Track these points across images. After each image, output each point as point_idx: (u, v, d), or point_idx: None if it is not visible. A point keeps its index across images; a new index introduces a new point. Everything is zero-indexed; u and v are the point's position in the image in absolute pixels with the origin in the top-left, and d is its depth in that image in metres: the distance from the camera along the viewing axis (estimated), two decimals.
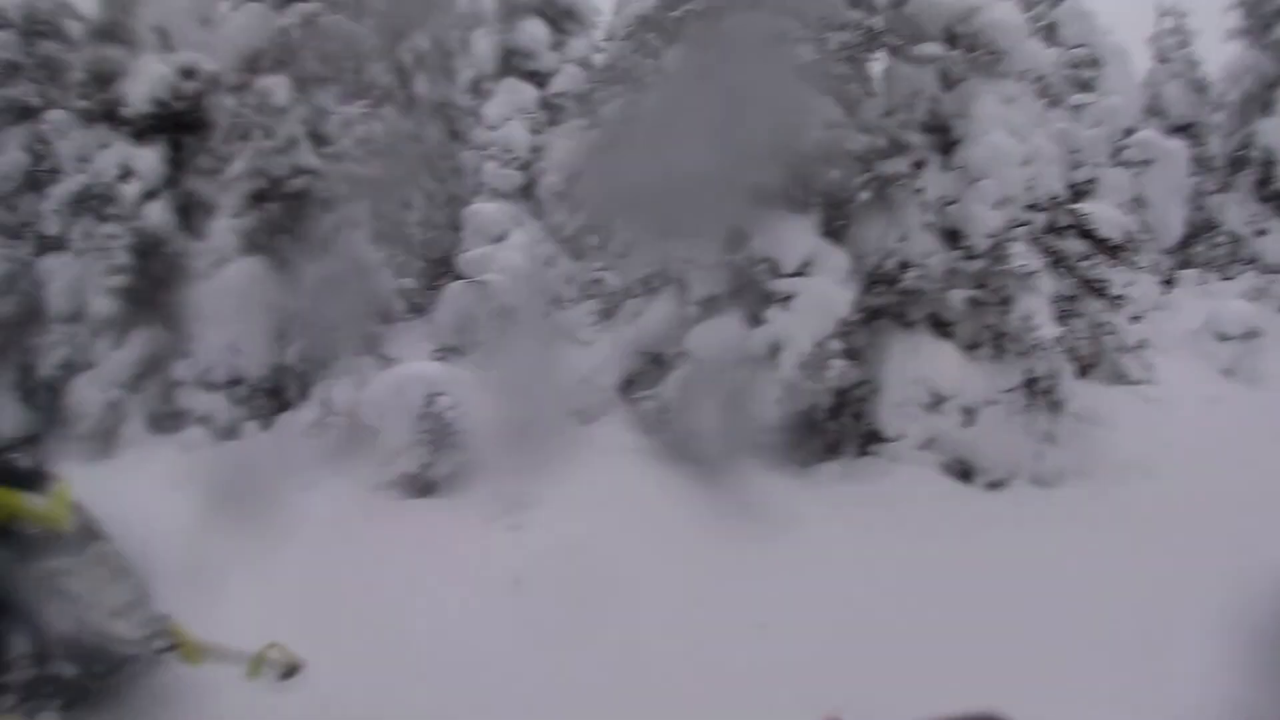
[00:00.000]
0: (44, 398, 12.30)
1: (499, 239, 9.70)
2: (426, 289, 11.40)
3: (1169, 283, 15.93)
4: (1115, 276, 10.02)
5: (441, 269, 12.54)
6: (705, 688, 4.86)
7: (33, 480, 4.87)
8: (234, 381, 10.42)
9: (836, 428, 8.74)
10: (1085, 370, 11.09)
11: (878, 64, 9.15)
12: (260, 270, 10.43)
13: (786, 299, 8.22)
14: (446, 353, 9.36)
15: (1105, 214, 9.83)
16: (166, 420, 11.01)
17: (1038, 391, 8.98)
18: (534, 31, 13.74)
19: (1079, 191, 9.69)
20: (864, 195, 8.85)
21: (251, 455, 9.88)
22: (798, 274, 8.31)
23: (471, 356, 9.25)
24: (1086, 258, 9.73)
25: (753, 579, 5.98)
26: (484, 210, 9.89)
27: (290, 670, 5.12)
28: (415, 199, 13.73)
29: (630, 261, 9.35)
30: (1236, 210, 17.46)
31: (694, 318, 8.51)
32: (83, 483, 5.21)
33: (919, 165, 9.02)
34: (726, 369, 8.05)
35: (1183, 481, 8.95)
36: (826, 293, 8.27)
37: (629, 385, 8.91)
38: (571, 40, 14.26)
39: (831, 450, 8.64)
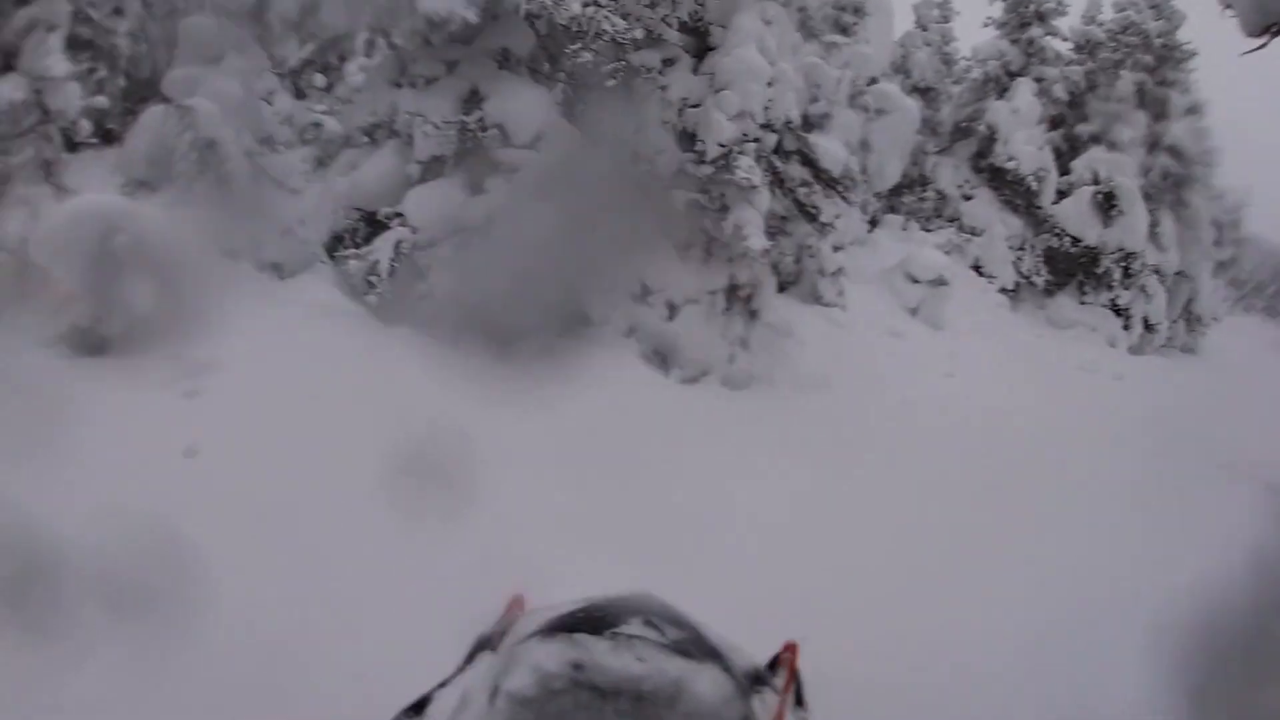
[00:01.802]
0: None
1: (213, 60, 8.72)
2: (124, 113, 10.20)
3: (874, 223, 17.23)
4: (828, 206, 10.53)
5: (144, 90, 11.21)
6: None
7: None
8: None
9: (540, 307, 8.74)
10: (784, 287, 11.75)
11: None
12: None
13: (512, 171, 8.07)
14: (136, 187, 8.40)
15: (831, 148, 10.24)
16: None
17: (739, 298, 9.45)
18: None
19: (812, 123, 10.01)
20: (610, 81, 8.83)
21: None
22: (528, 147, 8.17)
23: (165, 193, 8.35)
24: (805, 184, 10.17)
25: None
26: (199, 25, 8.87)
27: None
28: (132, 5, 12.20)
29: (355, 108, 8.80)
30: (950, 173, 18.98)
31: (414, 177, 8.18)
32: None
33: (669, 63, 9.09)
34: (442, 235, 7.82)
35: (853, 398, 9.84)
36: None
37: (337, 242, 8.47)
38: None
39: (536, 329, 8.66)
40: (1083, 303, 18.66)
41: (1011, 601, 5.80)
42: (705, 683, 2.47)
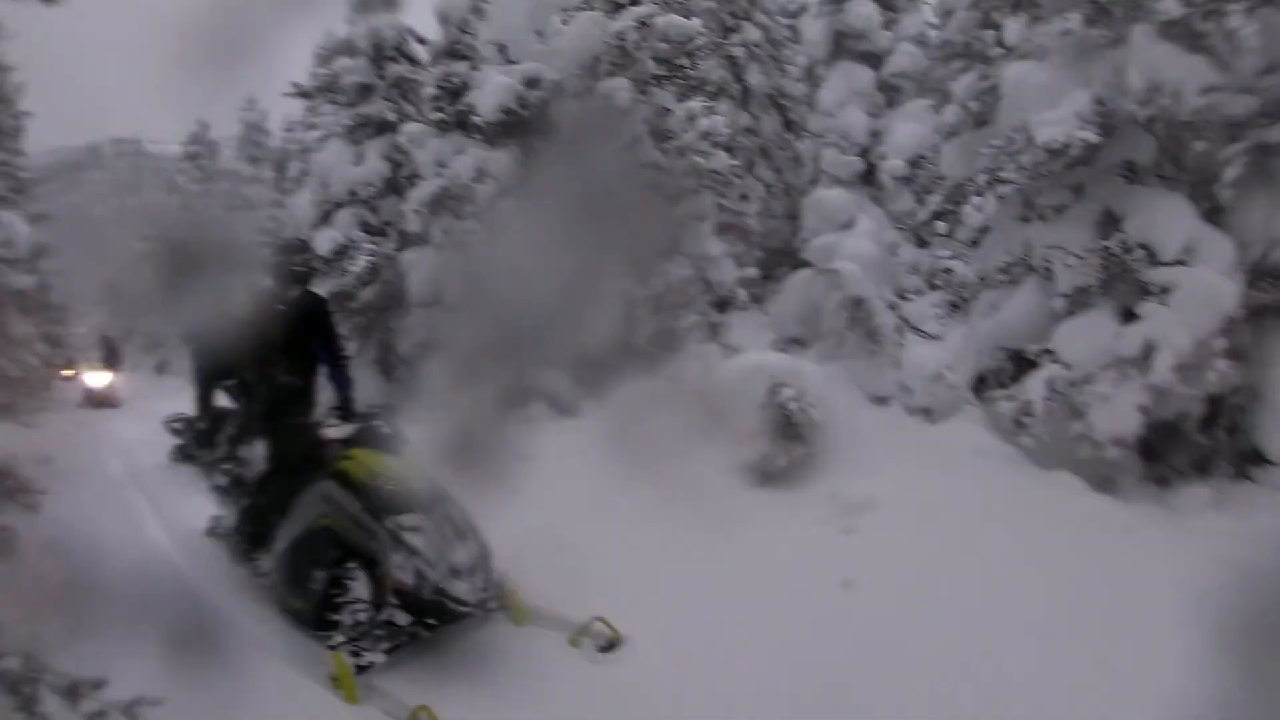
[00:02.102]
0: (401, 373, 13.51)
1: (845, 226, 9.48)
2: (765, 279, 11.44)
3: None
4: None
5: (780, 258, 12.48)
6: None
7: (391, 444, 5.40)
8: (579, 361, 10.85)
9: (1208, 443, 7.80)
10: None
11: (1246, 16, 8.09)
12: (609, 259, 10.80)
13: (1164, 291, 7.49)
14: (789, 343, 9.33)
15: None
16: (515, 395, 11.57)
17: None
18: (864, 11, 13.13)
19: None
20: (1241, 170, 7.91)
21: (592, 431, 10.22)
22: (1177, 263, 7.54)
23: (815, 348, 9.15)
24: None
25: (1109, 612, 5.40)
26: (828, 197, 9.71)
27: (611, 644, 5.32)
28: (754, 190, 13.84)
29: (986, 249, 8.86)
30: None
31: (1060, 311, 7.92)
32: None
33: None
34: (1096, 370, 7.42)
35: None
36: (1211, 285, 7.38)
37: (982, 383, 8.46)
38: (904, 18, 13.60)
39: (1199, 469, 7.74)
40: None
41: None
42: None
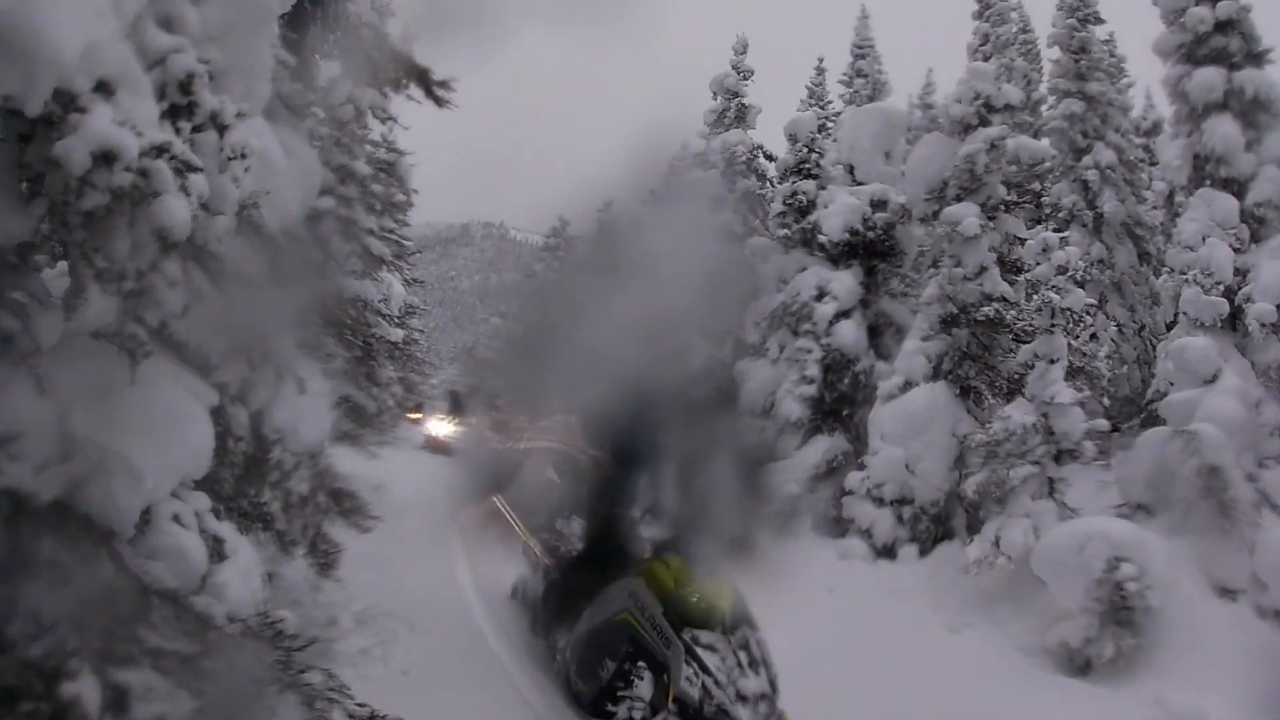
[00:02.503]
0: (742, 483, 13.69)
1: (1207, 381, 8.62)
2: (1113, 431, 10.63)
3: None
4: None
5: (1129, 409, 11.52)
6: None
7: (709, 560, 5.38)
8: (902, 501, 10.64)
9: None
10: None
11: None
12: (944, 396, 10.59)
13: None
14: (1134, 510, 8.52)
15: None
16: (831, 525, 11.51)
17: None
18: (1225, 130, 11.83)
19: None
20: None
21: (900, 577, 9.91)
22: None
23: (1162, 518, 8.29)
24: None
25: None
26: (1191, 346, 8.87)
27: None
28: (1105, 330, 12.94)
29: None
30: None
31: None
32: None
33: None
34: None
35: None
36: None
37: None
38: (1267, 135, 12.15)
39: None
40: None
41: None
42: None
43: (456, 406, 25.48)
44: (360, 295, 13.23)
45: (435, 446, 22.93)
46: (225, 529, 3.66)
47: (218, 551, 3.51)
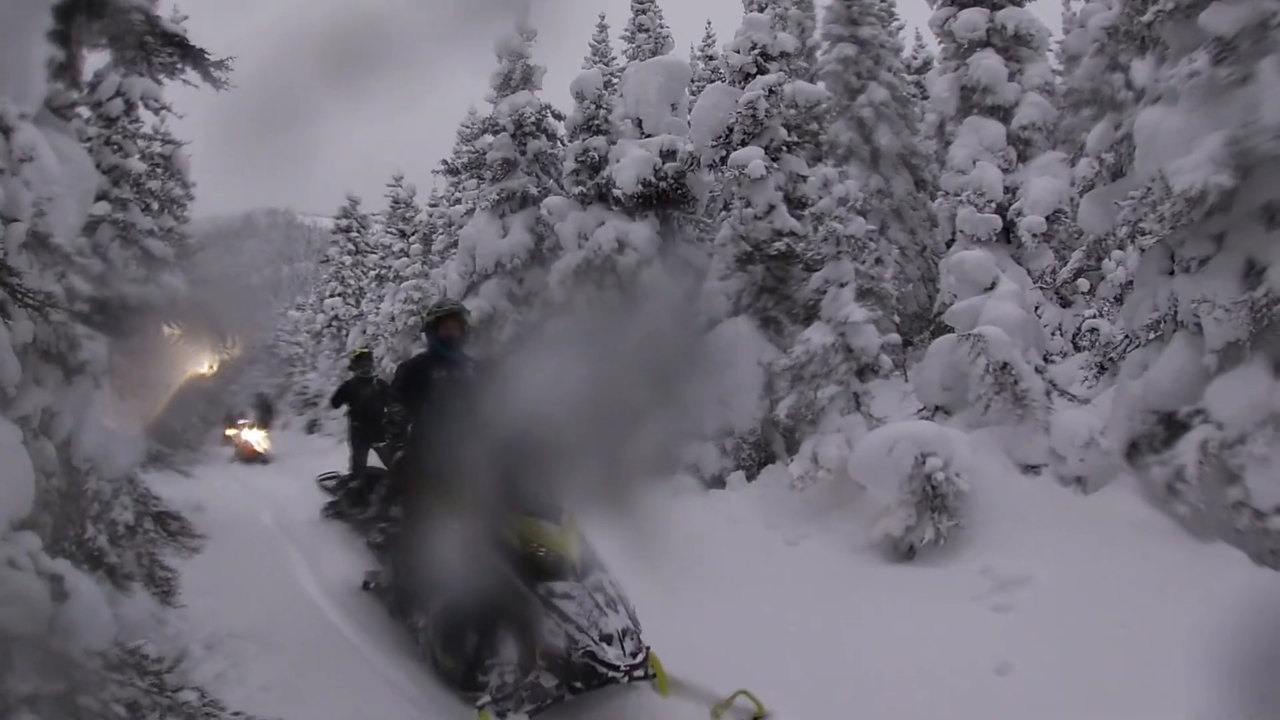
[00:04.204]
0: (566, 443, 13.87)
1: (988, 288, 9.41)
2: (905, 345, 11.45)
3: None
4: None
5: (919, 323, 12.40)
6: None
7: (549, 511, 5.49)
8: (723, 433, 11.11)
9: None
10: None
11: None
12: (748, 329, 11.10)
13: None
14: (933, 412, 9.28)
15: None
16: (661, 464, 11.84)
17: None
18: (988, 64, 13.02)
19: None
20: None
21: (733, 504, 10.35)
22: None
23: (961, 415, 9.07)
24: None
25: None
26: (969, 258, 9.65)
27: (756, 719, 5.28)
28: (889, 253, 13.85)
29: (1132, 306, 8.67)
30: None
31: (1212, 369, 7.61)
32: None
33: None
34: (1252, 429, 7.16)
35: None
36: None
37: (1135, 449, 8.14)
38: (1028, 67, 13.41)
39: None
40: None
41: None
42: None
43: (266, 412, 24.53)
44: (145, 302, 12.54)
45: (249, 456, 22.00)
46: (62, 566, 3.53)
47: (59, 591, 3.39)
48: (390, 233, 30.72)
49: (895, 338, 9.85)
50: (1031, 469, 8.39)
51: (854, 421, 9.19)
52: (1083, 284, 12.17)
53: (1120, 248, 11.43)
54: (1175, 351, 8.01)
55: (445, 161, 18.31)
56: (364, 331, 28.31)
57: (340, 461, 12.78)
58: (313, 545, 9.26)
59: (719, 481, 11.02)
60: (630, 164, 13.18)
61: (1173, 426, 7.87)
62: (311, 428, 31.10)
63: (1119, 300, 10.97)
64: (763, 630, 6.53)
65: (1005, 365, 8.46)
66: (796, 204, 11.78)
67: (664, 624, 5.60)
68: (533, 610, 5.15)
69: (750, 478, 10.78)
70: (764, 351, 10.88)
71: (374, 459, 10.96)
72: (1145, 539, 7.14)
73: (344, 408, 12.54)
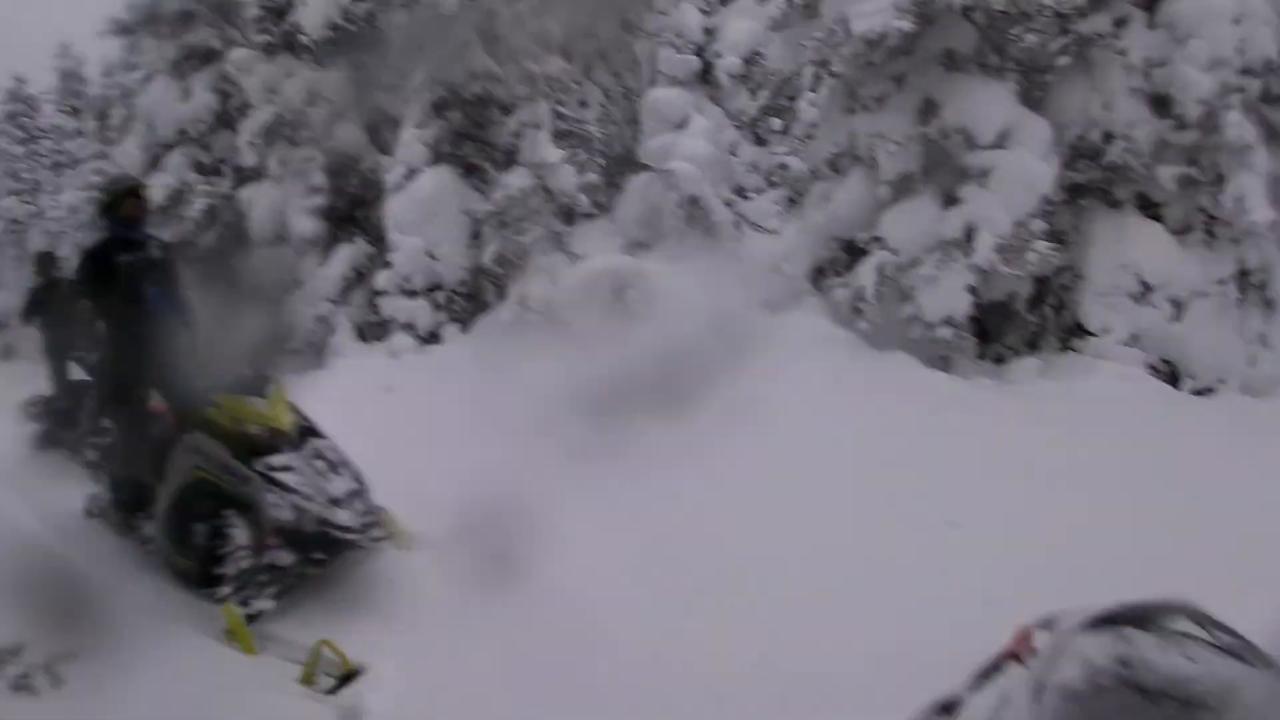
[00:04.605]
0: (258, 318, 13.09)
1: (680, 126, 9.58)
2: (609, 184, 11.49)
3: None
4: None
5: (623, 164, 12.45)
6: (888, 584, 4.71)
7: (254, 386, 5.26)
8: (432, 287, 10.86)
9: (1036, 319, 8.42)
10: None
11: None
12: (449, 177, 10.74)
13: (983, 175, 7.87)
14: (632, 247, 9.48)
15: None
16: (373, 329, 11.53)
17: (1251, 285, 8.42)
18: None
19: None
20: (1062, 58, 8.35)
21: (451, 356, 10.23)
22: (995, 147, 7.92)
23: (659, 250, 9.32)
24: None
25: (944, 477, 5.79)
26: (663, 97, 9.77)
27: (345, 675, 5.02)
28: (592, 93, 13.74)
29: (816, 142, 9.12)
30: None
31: (886, 199, 8.23)
32: (300, 391, 5.66)
33: (1122, 23, 8.36)
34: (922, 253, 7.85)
35: None
36: (1027, 167, 7.83)
37: (820, 274, 8.77)
38: None
39: (1030, 344, 8.36)
40: None
41: None
42: (1261, 689, 2.19)
43: None
44: None
45: None
46: None
47: None
48: (62, 111, 27.22)
49: (593, 178, 9.85)
50: (722, 295, 8.75)
51: (558, 261, 9.21)
52: (776, 123, 12.62)
53: (812, 89, 11.89)
54: (854, 183, 8.58)
55: (115, 20, 16.11)
56: (46, 231, 25.25)
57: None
58: (29, 482, 8.29)
59: (435, 337, 10.81)
60: (316, 5, 12.20)
61: (853, 252, 8.50)
62: (7, 353, 27.57)
63: (809, 138, 11.48)
64: (485, 473, 6.61)
65: (695, 199, 8.70)
66: (491, 40, 11.29)
67: (395, 483, 5.45)
68: (255, 489, 4.93)
69: (465, 329, 10.64)
70: (468, 199, 10.58)
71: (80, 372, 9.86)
72: (829, 351, 7.76)
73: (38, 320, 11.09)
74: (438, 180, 10.75)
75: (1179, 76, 8.13)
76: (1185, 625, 2.33)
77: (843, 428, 6.52)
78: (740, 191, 9.65)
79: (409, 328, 10.89)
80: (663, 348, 7.85)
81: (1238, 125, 8.02)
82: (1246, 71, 8.24)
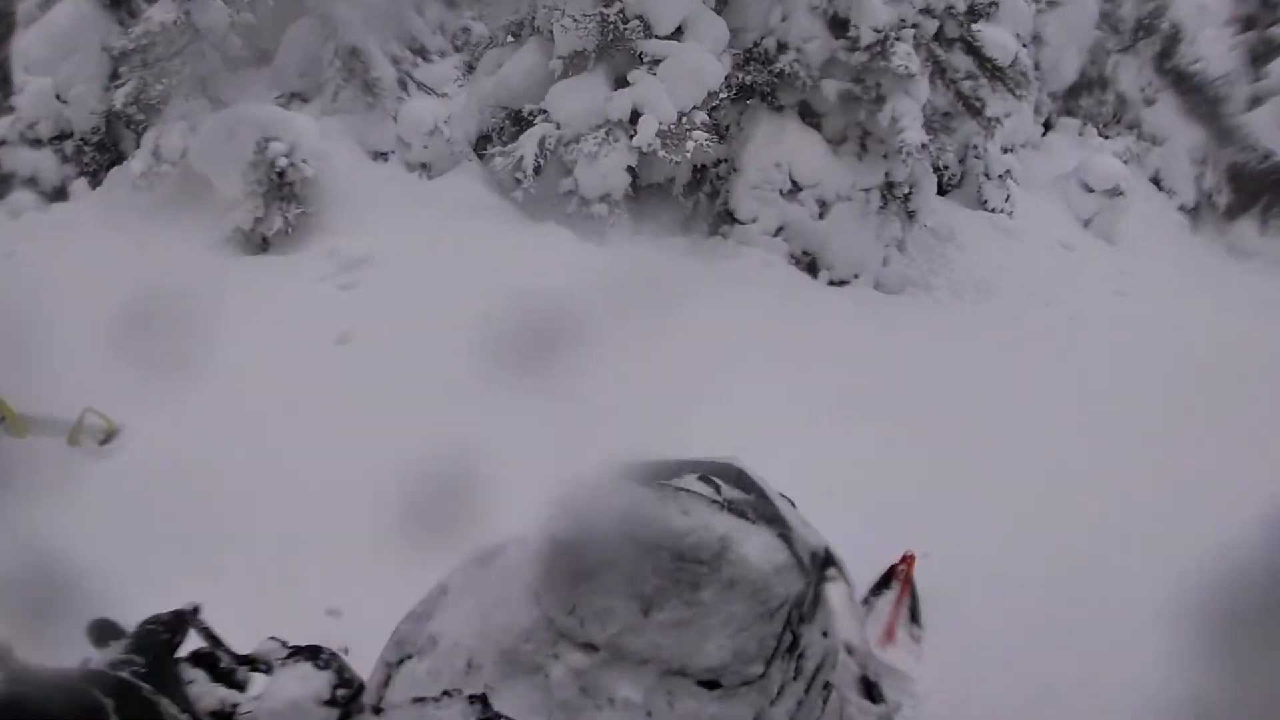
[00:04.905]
0: None
1: None
2: (271, 28, 10.40)
3: (1048, 125, 15.83)
4: (995, 102, 9.90)
5: (293, 7, 11.32)
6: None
7: None
8: (61, 136, 9.58)
9: (691, 204, 8.63)
10: (946, 189, 11.15)
11: None
12: (91, 8, 9.44)
13: (656, 62, 7.90)
14: (290, 99, 8.70)
15: (998, 37, 9.62)
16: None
17: (895, 196, 8.96)
18: None
19: (977, 11, 9.34)
20: None
21: (78, 215, 9.19)
22: (670, 38, 7.97)
23: (316, 103, 8.64)
24: (970, 77, 9.56)
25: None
26: None
27: (108, 435, 5.28)
28: None
29: (498, 7, 8.81)
30: (1132, 75, 17.40)
31: (557, 73, 8.09)
32: None
33: None
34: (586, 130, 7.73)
35: (1016, 309, 9.12)
36: (699, 61, 7.95)
37: (485, 141, 8.52)
38: None
39: (683, 227, 8.55)
40: (1264, 233, 16.07)
41: (1161, 536, 4.80)
42: (754, 546, 2.34)
43: None
44: None
45: None
46: None
47: None
48: None
49: (250, 18, 8.84)
50: (380, 155, 8.48)
51: (200, 107, 8.29)
52: None
53: None
54: (528, 53, 8.40)
55: None
56: None
57: None
58: None
59: (62, 193, 9.53)
60: None
61: (519, 123, 8.29)
62: None
63: (495, 3, 11.00)
64: (107, 341, 5.97)
65: (355, 50, 8.17)
66: None
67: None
68: None
69: (96, 184, 9.45)
70: (111, 35, 9.31)
71: None
72: (485, 218, 7.62)
73: None
74: (78, 10, 9.42)
75: (862, 3, 8.40)
76: (692, 482, 2.48)
77: (483, 286, 6.30)
78: (421, 52, 9.17)
79: (31, 183, 9.54)
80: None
81: (905, 56, 8.41)
82: (926, 11, 8.69)
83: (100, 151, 9.60)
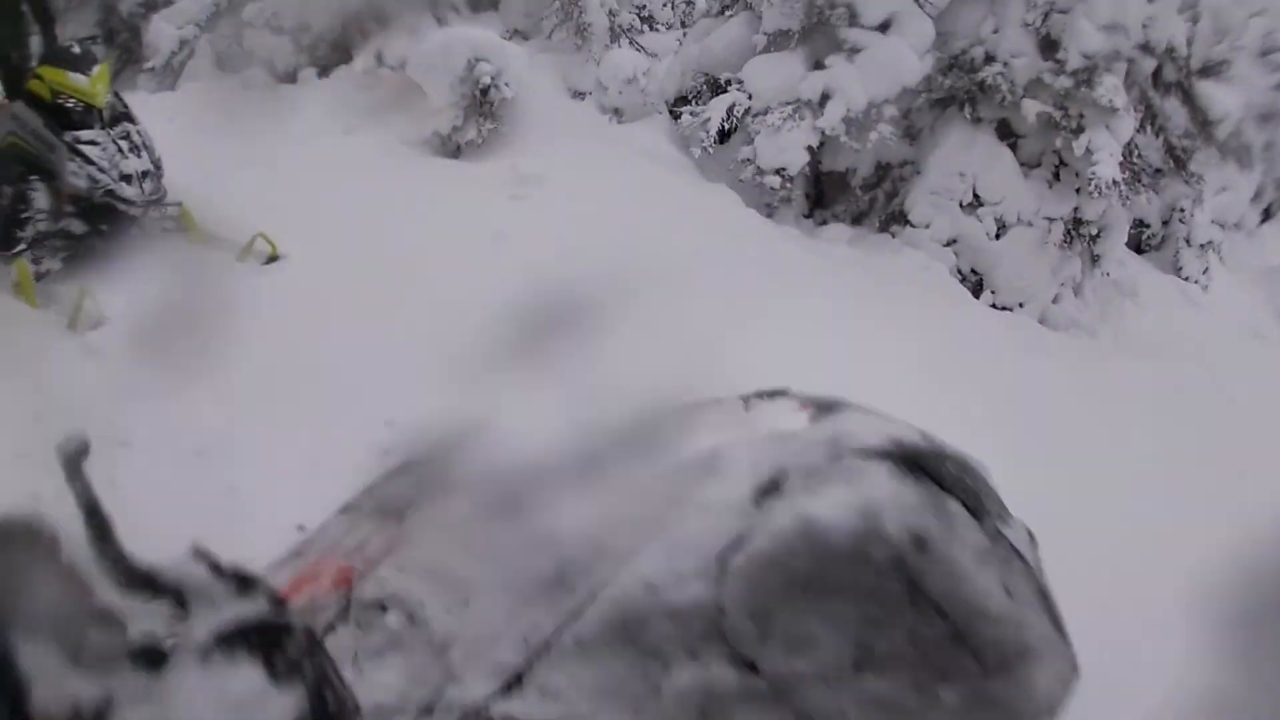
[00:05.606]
0: (123, 34, 12.48)
1: None
2: None
3: (1267, 214, 14.75)
4: (1208, 166, 9.48)
5: None
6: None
7: (79, 62, 5.60)
8: (300, 27, 10.41)
9: (868, 199, 8.63)
10: (1144, 249, 10.71)
11: None
12: None
13: (854, 50, 7.97)
14: (511, 34, 9.31)
15: (1221, 97, 9.17)
16: (233, 60, 11.06)
17: (1081, 235, 8.68)
18: None
19: (1207, 68, 8.97)
20: None
21: (302, 99, 9.96)
22: (876, 29, 8.03)
23: (534, 41, 9.21)
24: (1188, 135, 9.19)
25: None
26: None
27: (272, 258, 6.00)
28: None
29: None
30: None
31: (758, 48, 8.30)
32: (142, 105, 6.13)
33: None
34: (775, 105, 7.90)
35: (1180, 377, 8.54)
36: (898, 56, 7.96)
37: (681, 101, 8.87)
38: None
39: (853, 218, 8.61)
40: None
41: None
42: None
43: None
44: None
45: None
46: None
47: None
48: None
49: None
50: (579, 95, 8.96)
51: (427, 23, 8.92)
52: None
53: None
54: (734, 26, 8.71)
55: None
56: None
57: None
58: None
59: (292, 78, 10.35)
60: None
61: (715, 90, 8.53)
62: None
63: None
64: (296, 195, 6.69)
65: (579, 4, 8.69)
66: None
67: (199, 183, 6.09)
68: (60, 158, 5.37)
69: (324, 74, 10.23)
70: None
71: None
72: (659, 166, 7.92)
73: None
74: None
75: (1074, 26, 8.22)
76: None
77: (638, 220, 6.67)
78: (650, 21, 9.71)
79: (267, 64, 10.41)
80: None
81: (1111, 89, 8.15)
82: (1145, 48, 8.41)
83: (334, 50, 10.39)
